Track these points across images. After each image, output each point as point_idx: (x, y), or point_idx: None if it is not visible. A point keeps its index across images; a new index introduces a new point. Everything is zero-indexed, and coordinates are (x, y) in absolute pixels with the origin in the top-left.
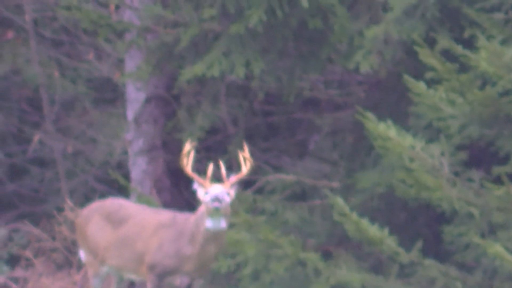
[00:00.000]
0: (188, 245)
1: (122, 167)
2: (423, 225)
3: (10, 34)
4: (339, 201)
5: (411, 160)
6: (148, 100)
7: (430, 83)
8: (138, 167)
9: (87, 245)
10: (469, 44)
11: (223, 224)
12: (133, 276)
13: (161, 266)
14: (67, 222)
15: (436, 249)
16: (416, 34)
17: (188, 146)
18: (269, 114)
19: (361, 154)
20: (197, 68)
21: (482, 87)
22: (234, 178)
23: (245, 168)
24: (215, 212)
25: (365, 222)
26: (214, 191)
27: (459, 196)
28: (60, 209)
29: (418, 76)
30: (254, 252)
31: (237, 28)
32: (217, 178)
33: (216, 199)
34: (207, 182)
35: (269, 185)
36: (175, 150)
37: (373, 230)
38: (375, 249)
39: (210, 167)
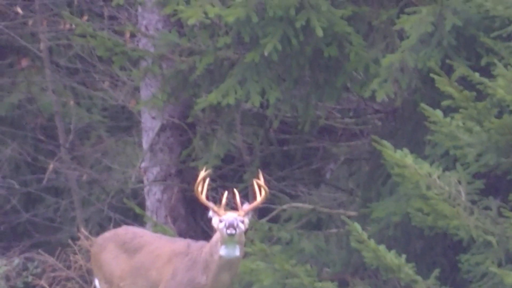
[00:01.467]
0: (202, 273)
1: (137, 196)
2: (440, 253)
3: (25, 63)
4: (357, 227)
5: (428, 188)
6: (163, 128)
7: (447, 111)
8: (153, 195)
9: (102, 274)
10: (486, 72)
11: (237, 252)
12: None
13: None
14: (82, 251)
15: (453, 278)
16: (432, 62)
17: (203, 174)
18: (285, 142)
19: (377, 182)
20: (212, 97)
21: (499, 115)
22: (248, 206)
23: (260, 197)
24: (229, 240)
25: (383, 249)
26: (229, 219)
27: (476, 224)
28: (75, 238)
29: (434, 104)
30: (270, 282)
31: (252, 56)
32: (232, 206)
33: (231, 226)
34: (221, 210)
35: (284, 214)
36: (191, 178)
37: (391, 257)
38: (392, 277)
39: (225, 195)
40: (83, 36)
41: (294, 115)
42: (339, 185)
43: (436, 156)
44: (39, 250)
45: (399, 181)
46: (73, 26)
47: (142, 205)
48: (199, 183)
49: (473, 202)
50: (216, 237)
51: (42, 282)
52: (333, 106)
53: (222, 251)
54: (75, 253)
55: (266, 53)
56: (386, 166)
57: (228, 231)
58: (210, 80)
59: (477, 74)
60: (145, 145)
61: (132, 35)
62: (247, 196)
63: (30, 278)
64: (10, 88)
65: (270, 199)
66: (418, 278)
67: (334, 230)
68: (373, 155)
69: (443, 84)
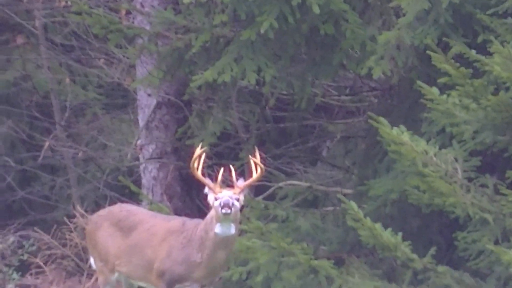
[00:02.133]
0: (198, 251)
1: (133, 174)
2: (436, 231)
3: (20, 40)
4: (353, 206)
5: (425, 165)
6: (159, 106)
7: (443, 88)
8: (149, 173)
9: (97, 252)
10: (483, 49)
11: (233, 229)
12: (143, 284)
13: (170, 273)
14: (77, 229)
15: (450, 256)
16: (429, 39)
17: (198, 151)
18: (281, 120)
19: (374, 160)
20: (208, 74)
21: (495, 93)
22: (244, 183)
23: (256, 174)
24: (224, 218)
25: (379, 227)
26: (224, 197)
27: (472, 202)
28: (71, 216)
29: (431, 81)
30: (266, 260)
31: (248, 34)
32: (227, 183)
33: (226, 204)
34: (217, 188)
35: (280, 192)
36: (186, 156)
37: (387, 236)
38: (389, 256)
39: (220, 172)
40: (78, 13)
41: (291, 93)
42: (335, 163)
43: (432, 133)
44: (35, 228)
45: (395, 158)
46: (69, 3)
47: (137, 183)
48: (194, 160)
49: (470, 180)
50: (211, 214)
51: (38, 260)
52: (330, 84)
53: (217, 229)
54: (70, 231)
55: (262, 31)
56: (383, 143)
57: (223, 210)
58: (206, 58)
59: (473, 52)
60: (141, 123)
61: (128, 13)
62: (243, 173)
63: (25, 256)
64: (5, 65)
65: (266, 177)
66: (415, 256)
67: (330, 208)
68: (370, 132)
69: (439, 61)
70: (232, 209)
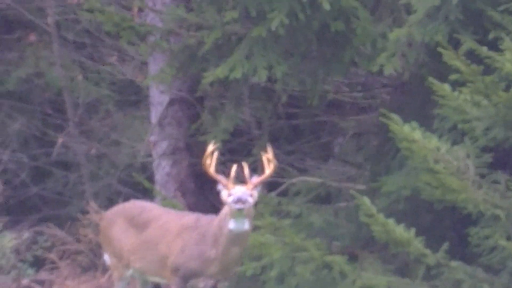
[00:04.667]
0: (212, 247)
1: (146, 170)
2: (449, 227)
3: (33, 37)
4: (366, 201)
5: (436, 162)
6: (171, 103)
7: (454, 85)
8: (162, 169)
9: (111, 248)
10: (493, 46)
11: (246, 225)
12: (157, 279)
13: (185, 269)
14: (91, 225)
15: (462, 252)
16: (439, 36)
17: (211, 147)
18: (293, 116)
19: (386, 156)
20: (220, 71)
21: (506, 89)
22: (257, 179)
23: (269, 170)
24: (238, 214)
25: (392, 223)
26: (237, 193)
27: (484, 198)
28: (84, 212)
29: (441, 78)
30: (280, 255)
31: (259, 31)
32: (240, 180)
33: (239, 200)
34: (230, 184)
35: (293, 188)
36: (199, 152)
37: (400, 231)
38: (402, 251)
39: (233, 168)
40: (90, 11)
41: (302, 90)
42: (347, 159)
43: (444, 130)
44: (49, 224)
45: (407, 155)
46: (81, 0)
47: (151, 179)
48: (207, 157)
49: (482, 176)
50: (225, 210)
51: (52, 256)
52: (341, 81)
53: (231, 224)
54: (84, 227)
55: (273, 28)
56: (395, 140)
57: (237, 206)
58: (218, 55)
59: (484, 48)
60: (154, 119)
61: (140, 10)
62: (256, 170)
63: (39, 252)
64: (18, 62)
65: (278, 173)
66: (427, 251)
67: (343, 204)
68: (382, 129)
69: (450, 58)
70: (246, 204)
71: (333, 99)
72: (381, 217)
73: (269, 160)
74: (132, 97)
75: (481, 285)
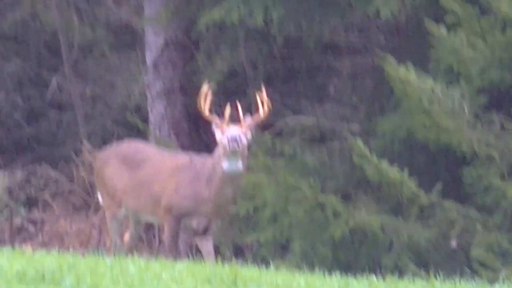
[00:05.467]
0: (205, 187)
1: (141, 111)
2: (443, 168)
3: None
4: (359, 143)
5: (431, 103)
6: (166, 45)
7: (450, 27)
8: (157, 110)
9: (104, 188)
10: None
11: (240, 165)
12: (150, 219)
13: (178, 208)
14: (85, 165)
15: (456, 192)
16: None
17: (205, 88)
18: (289, 58)
19: (381, 98)
20: (216, 14)
21: (503, 31)
22: (251, 119)
23: (263, 110)
24: (232, 154)
25: (385, 164)
26: (231, 133)
27: (479, 138)
28: (78, 152)
29: (438, 20)
30: (273, 195)
31: None
32: (235, 120)
33: (233, 140)
34: (224, 124)
35: (288, 128)
36: (194, 93)
37: (393, 172)
38: (395, 191)
39: (227, 109)
40: None
41: (298, 32)
42: (342, 100)
43: (439, 71)
44: (42, 164)
45: (402, 96)
46: None
47: (145, 120)
48: (201, 97)
49: (476, 117)
50: (218, 151)
51: (45, 195)
52: (337, 23)
53: (225, 164)
54: (78, 166)
55: None
56: (390, 81)
57: (231, 146)
58: None
59: None
60: (149, 61)
61: None
62: (251, 110)
63: (33, 191)
64: (13, 4)
65: (273, 113)
66: (421, 191)
67: (337, 144)
68: (377, 70)
69: (446, 0)
70: (240, 144)
71: (329, 41)
72: (374, 158)
73: (263, 101)
74: (127, 39)
75: (474, 224)
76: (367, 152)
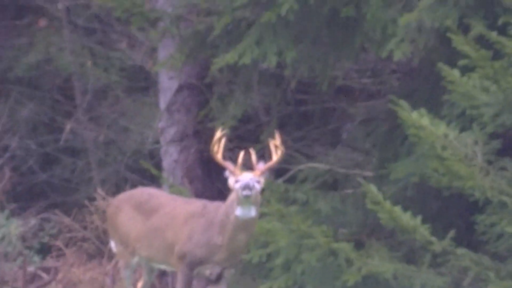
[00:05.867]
0: (219, 234)
1: (154, 157)
2: (456, 214)
3: (43, 23)
4: (373, 189)
5: (444, 149)
6: (180, 89)
7: (464, 70)
8: (170, 156)
9: (118, 235)
10: (503, 31)
11: (253, 212)
12: (163, 267)
13: (191, 256)
14: (98, 212)
15: (469, 239)
16: (449, 21)
17: (219, 134)
18: (302, 102)
19: (395, 143)
20: (229, 57)
21: None
22: (264, 166)
23: (276, 156)
24: (245, 200)
25: (398, 210)
26: (244, 179)
27: (492, 185)
28: (92, 199)
29: (451, 63)
30: (286, 242)
31: (269, 16)
32: (248, 167)
33: (247, 187)
34: (237, 170)
35: (301, 174)
36: (208, 139)
37: (407, 218)
38: (408, 238)
39: (241, 155)
40: None
41: (312, 75)
42: (356, 145)
43: (453, 116)
44: (56, 211)
45: (415, 141)
46: None
47: (158, 165)
48: (215, 143)
49: (489, 163)
50: (232, 197)
51: (59, 243)
52: (351, 66)
53: (238, 211)
54: (91, 214)
55: (282, 13)
56: (403, 126)
57: (244, 192)
58: (228, 41)
59: (494, 33)
60: (162, 106)
61: None
62: (264, 156)
63: (46, 239)
64: (28, 48)
65: (286, 160)
66: (434, 239)
67: (350, 191)
68: (391, 115)
69: (460, 43)
70: (253, 191)
71: (342, 85)
72: (387, 204)
73: (276, 147)
74: (141, 83)
75: (487, 272)
76: (380, 198)
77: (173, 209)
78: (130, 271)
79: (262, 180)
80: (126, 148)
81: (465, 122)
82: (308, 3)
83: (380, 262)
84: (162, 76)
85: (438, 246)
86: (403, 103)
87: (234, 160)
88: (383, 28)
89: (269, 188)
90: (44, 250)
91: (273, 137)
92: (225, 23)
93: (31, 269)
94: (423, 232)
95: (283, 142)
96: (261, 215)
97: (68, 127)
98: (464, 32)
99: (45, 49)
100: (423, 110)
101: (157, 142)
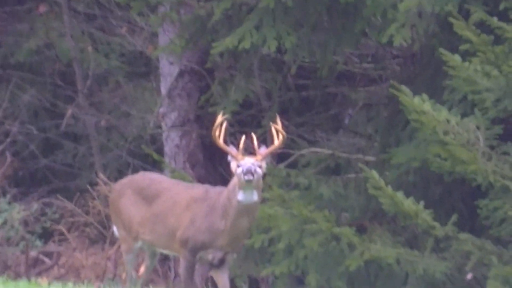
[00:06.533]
0: (221, 219)
1: (156, 142)
2: (458, 199)
3: (43, 8)
4: (374, 174)
5: (446, 134)
6: (181, 74)
7: (465, 55)
8: (172, 141)
9: (120, 220)
10: (504, 16)
11: (255, 196)
12: (166, 251)
13: (194, 241)
14: (100, 197)
15: (471, 224)
16: (450, 6)
17: (220, 118)
18: (304, 88)
19: (396, 128)
20: (229, 41)
21: None
22: (266, 150)
23: (278, 141)
24: (247, 185)
25: (400, 196)
26: (246, 164)
27: (494, 169)
28: (94, 184)
29: (452, 49)
30: (288, 227)
31: (268, 1)
32: (250, 151)
33: (248, 171)
34: (239, 155)
35: (303, 159)
36: (209, 124)
37: (409, 204)
38: (410, 223)
39: (242, 140)
40: None
41: (313, 61)
42: (357, 130)
43: (454, 101)
44: (58, 196)
45: (417, 127)
46: None
47: (160, 151)
48: (216, 128)
49: (492, 148)
50: (233, 182)
51: (61, 227)
52: (351, 52)
53: (240, 196)
54: (93, 199)
55: None
56: (405, 111)
57: (246, 177)
58: (228, 26)
59: (495, 19)
60: (163, 91)
61: None
62: (266, 141)
63: (48, 224)
64: (28, 34)
65: (288, 145)
66: (436, 224)
67: (352, 176)
68: (392, 100)
69: (461, 28)
70: (255, 175)
71: (343, 70)
72: (389, 189)
73: (278, 132)
74: (142, 68)
75: (489, 257)
76: (382, 183)
77: (175, 194)
78: (133, 256)
79: (264, 164)
80: (128, 134)
81: (466, 107)
82: None
83: (382, 247)
84: (163, 61)
85: (440, 231)
86: (404, 88)
87: (235, 145)
88: (384, 14)
89: (271, 173)
90: (46, 235)
91: (274, 122)
92: (225, 8)
93: (33, 253)
94: (426, 217)
95: (285, 127)
96: (263, 200)
97: (69, 112)
98: (465, 17)
99: (46, 35)
100: (424, 96)
101: (159, 127)
